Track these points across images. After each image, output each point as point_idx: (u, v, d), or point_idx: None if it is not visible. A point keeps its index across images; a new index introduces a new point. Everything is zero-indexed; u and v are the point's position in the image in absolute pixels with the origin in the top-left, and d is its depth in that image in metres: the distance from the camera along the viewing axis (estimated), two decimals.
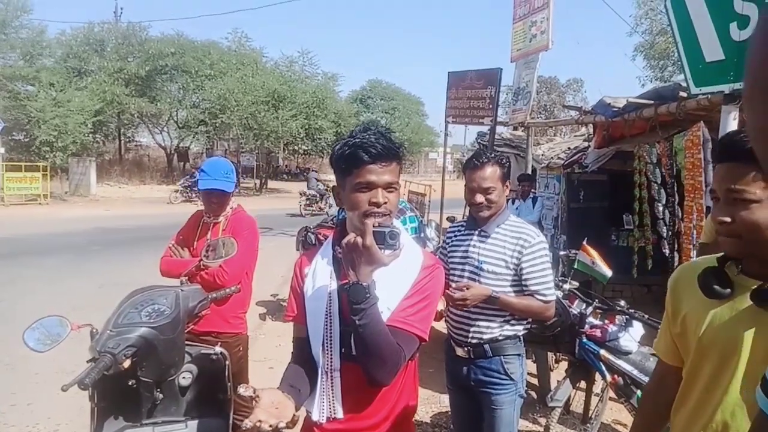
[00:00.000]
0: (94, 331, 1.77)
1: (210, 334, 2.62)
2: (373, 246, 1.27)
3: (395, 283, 1.43)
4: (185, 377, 1.88)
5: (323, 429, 1.50)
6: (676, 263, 4.99)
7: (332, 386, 1.46)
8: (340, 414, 1.46)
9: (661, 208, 5.39)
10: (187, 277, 2.67)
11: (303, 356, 1.52)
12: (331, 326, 1.45)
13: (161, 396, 1.84)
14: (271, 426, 1.23)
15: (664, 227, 5.34)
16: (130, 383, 1.77)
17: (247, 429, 1.24)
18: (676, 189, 4.98)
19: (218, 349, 1.95)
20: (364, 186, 1.39)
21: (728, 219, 1.19)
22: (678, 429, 1.36)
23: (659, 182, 5.35)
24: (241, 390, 1.26)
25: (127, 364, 1.66)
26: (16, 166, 19.66)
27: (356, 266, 1.30)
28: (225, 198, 2.79)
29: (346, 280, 1.34)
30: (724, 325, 1.22)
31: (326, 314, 1.46)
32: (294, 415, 1.30)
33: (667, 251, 5.30)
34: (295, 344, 1.57)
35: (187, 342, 1.92)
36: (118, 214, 17.14)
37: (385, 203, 1.39)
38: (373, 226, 1.30)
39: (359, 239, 1.28)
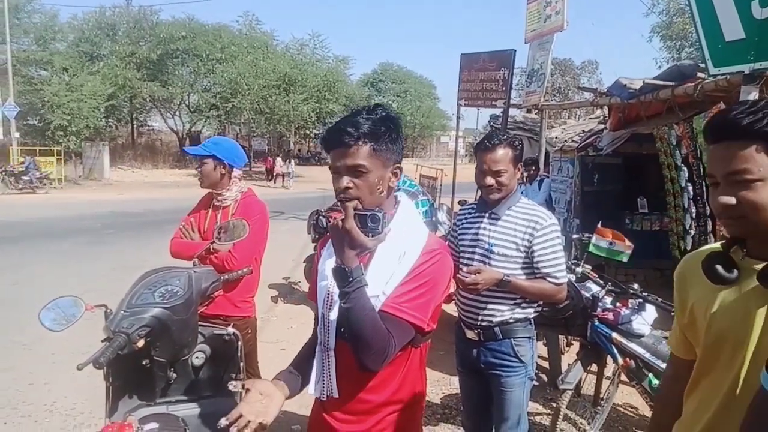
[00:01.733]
0: (109, 311, 1.79)
1: (218, 317, 2.63)
2: (353, 229, 1.25)
3: (392, 267, 1.41)
4: (198, 357, 1.90)
5: (324, 407, 1.52)
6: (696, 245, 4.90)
7: (328, 365, 1.47)
8: (335, 393, 1.46)
9: (673, 189, 5.28)
10: (198, 259, 2.69)
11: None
12: (330, 305, 1.45)
13: (175, 375, 1.86)
14: (250, 421, 1.30)
15: (694, 208, 5.23)
16: (144, 363, 1.80)
17: (222, 428, 1.30)
18: (702, 170, 4.86)
19: (231, 329, 1.96)
20: (333, 171, 1.41)
21: (733, 201, 1.13)
22: (689, 414, 1.35)
23: (680, 164, 5.25)
24: (231, 387, 1.30)
25: (141, 343, 1.68)
26: (30, 150, 19.90)
27: (340, 249, 1.29)
28: (206, 166, 2.78)
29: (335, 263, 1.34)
30: (733, 310, 1.19)
31: (328, 293, 1.46)
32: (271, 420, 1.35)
33: (693, 232, 5.19)
34: (315, 322, 1.61)
35: (199, 323, 1.94)
36: (131, 198, 17.31)
37: (349, 188, 1.37)
38: (355, 209, 1.29)
39: (341, 222, 1.27)
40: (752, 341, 1.16)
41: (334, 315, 1.43)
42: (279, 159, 26.95)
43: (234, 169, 2.83)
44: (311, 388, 1.51)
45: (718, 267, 1.18)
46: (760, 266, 1.15)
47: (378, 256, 1.39)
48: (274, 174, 26.31)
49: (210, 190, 2.88)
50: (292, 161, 27.75)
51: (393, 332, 1.34)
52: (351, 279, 1.27)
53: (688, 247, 5.41)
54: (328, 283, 1.46)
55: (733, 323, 1.19)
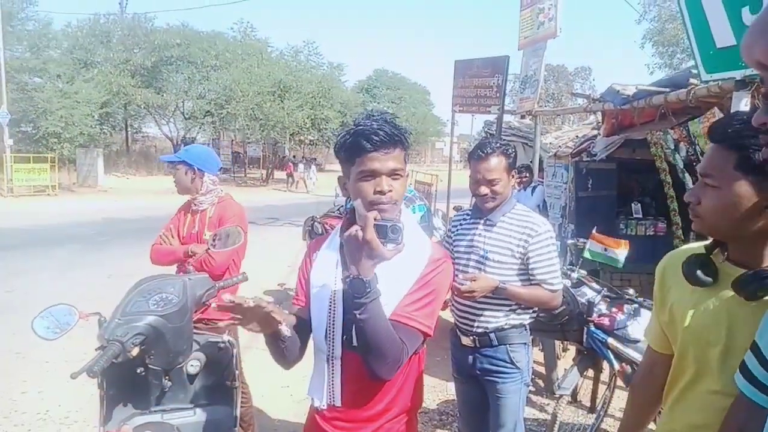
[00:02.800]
0: (103, 319, 1.78)
1: (201, 321, 2.63)
2: (373, 240, 1.23)
3: (400, 275, 1.41)
4: (193, 365, 1.89)
5: (323, 415, 1.51)
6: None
7: (333, 374, 1.46)
8: (338, 402, 1.46)
9: (675, 194, 5.25)
10: (191, 263, 2.69)
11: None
12: (334, 314, 1.44)
13: (169, 383, 1.84)
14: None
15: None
16: (138, 371, 1.78)
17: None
18: None
19: (226, 337, 1.95)
20: (368, 174, 1.37)
21: (693, 199, 1.21)
22: (666, 416, 1.37)
23: (682, 167, 5.24)
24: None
25: (135, 352, 1.67)
26: (24, 157, 19.78)
27: (357, 260, 1.26)
28: (178, 172, 2.87)
29: (348, 273, 1.32)
30: (709, 313, 1.21)
31: (330, 301, 1.45)
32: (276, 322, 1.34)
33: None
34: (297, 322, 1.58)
35: (194, 330, 1.93)
36: (125, 205, 17.23)
37: (390, 191, 1.37)
38: (375, 219, 1.26)
39: (360, 232, 1.24)
40: (724, 345, 1.17)
41: (340, 323, 1.43)
42: (300, 165, 28.64)
43: (205, 174, 2.87)
44: (315, 400, 1.50)
45: (698, 271, 1.21)
46: (738, 272, 1.17)
47: (387, 264, 1.39)
48: (295, 180, 28.08)
49: (188, 196, 2.93)
50: (313, 167, 29.27)
51: (405, 340, 1.35)
52: (369, 290, 1.25)
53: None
54: (328, 289, 1.46)
55: (709, 326, 1.21)
